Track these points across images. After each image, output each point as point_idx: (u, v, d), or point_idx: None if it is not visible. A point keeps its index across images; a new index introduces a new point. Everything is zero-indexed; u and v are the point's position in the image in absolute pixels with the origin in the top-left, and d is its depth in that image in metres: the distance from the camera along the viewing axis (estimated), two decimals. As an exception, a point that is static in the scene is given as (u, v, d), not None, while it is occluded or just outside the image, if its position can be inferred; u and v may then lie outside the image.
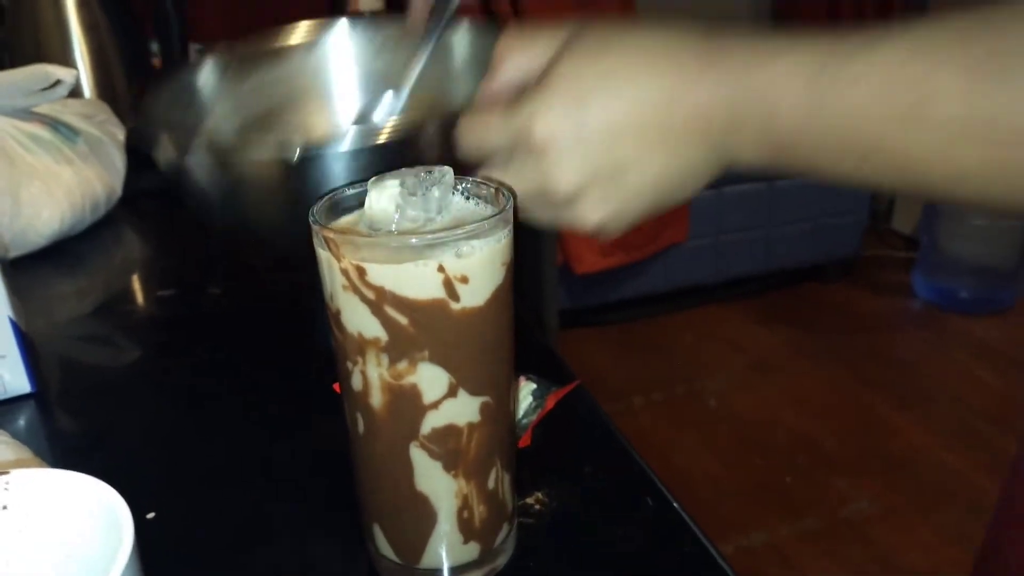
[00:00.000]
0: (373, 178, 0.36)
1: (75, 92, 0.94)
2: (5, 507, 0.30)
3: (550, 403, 0.51)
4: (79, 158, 0.82)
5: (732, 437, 1.96)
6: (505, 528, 0.41)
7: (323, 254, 0.35)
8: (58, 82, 0.80)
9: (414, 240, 0.33)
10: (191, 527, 0.45)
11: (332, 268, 0.34)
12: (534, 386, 0.52)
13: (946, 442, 1.90)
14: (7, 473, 0.30)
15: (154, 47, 1.20)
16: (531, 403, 0.51)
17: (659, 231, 2.34)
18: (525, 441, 0.49)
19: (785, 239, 2.54)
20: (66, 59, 1.02)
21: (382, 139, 0.49)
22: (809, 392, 2.12)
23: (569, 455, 0.49)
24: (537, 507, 0.44)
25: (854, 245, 2.64)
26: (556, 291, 2.09)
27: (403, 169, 0.36)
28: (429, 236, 0.33)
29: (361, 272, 0.33)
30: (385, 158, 0.48)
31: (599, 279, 2.35)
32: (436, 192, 0.36)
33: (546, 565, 0.41)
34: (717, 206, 2.42)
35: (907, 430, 1.96)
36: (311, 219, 0.35)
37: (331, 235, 0.34)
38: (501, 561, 0.41)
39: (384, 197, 0.36)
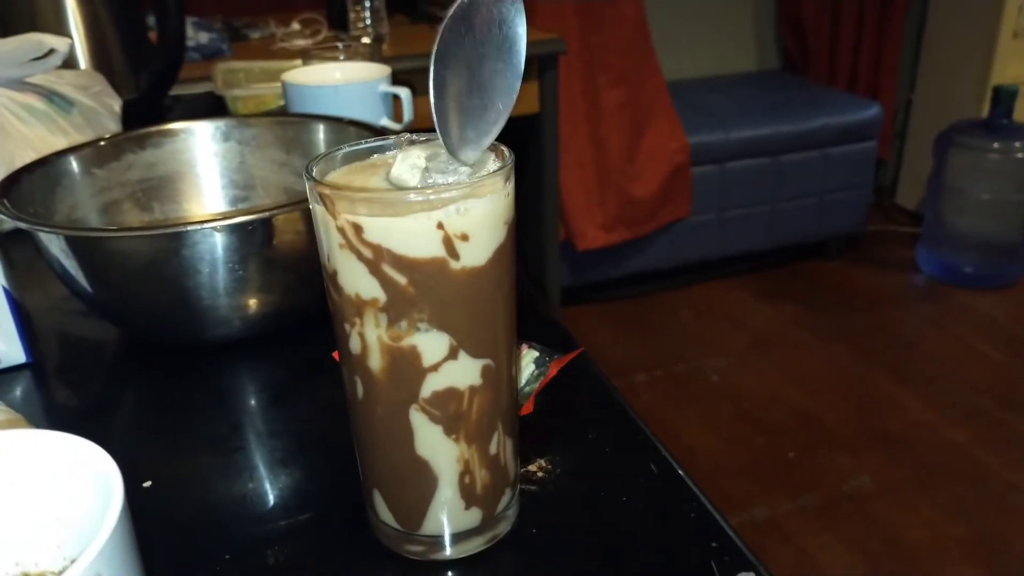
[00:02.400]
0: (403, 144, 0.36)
1: (70, 63, 0.93)
2: (-6, 469, 0.29)
3: (553, 370, 0.50)
4: (74, 129, 0.80)
5: (734, 414, 1.96)
6: (507, 494, 0.40)
7: (318, 210, 0.34)
8: (51, 51, 0.79)
9: (412, 195, 0.32)
10: (188, 495, 0.45)
11: (328, 226, 0.33)
12: (536, 354, 0.51)
13: (948, 418, 1.90)
14: (-4, 435, 0.29)
15: (150, 20, 1.19)
16: (534, 371, 0.50)
17: (661, 207, 2.33)
18: (528, 408, 0.48)
19: (789, 215, 2.53)
20: (60, 29, 1.01)
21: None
22: (811, 368, 2.11)
23: (572, 422, 0.48)
24: (540, 474, 0.44)
25: (858, 220, 2.62)
26: (558, 268, 2.08)
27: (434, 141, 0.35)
28: (428, 191, 0.32)
29: (358, 229, 0.32)
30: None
31: (601, 255, 2.34)
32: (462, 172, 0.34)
33: (549, 532, 0.40)
34: (721, 182, 2.40)
35: (909, 406, 1.95)
36: (306, 176, 0.34)
37: (326, 190, 0.33)
38: (503, 528, 0.40)
39: (405, 166, 0.34)
